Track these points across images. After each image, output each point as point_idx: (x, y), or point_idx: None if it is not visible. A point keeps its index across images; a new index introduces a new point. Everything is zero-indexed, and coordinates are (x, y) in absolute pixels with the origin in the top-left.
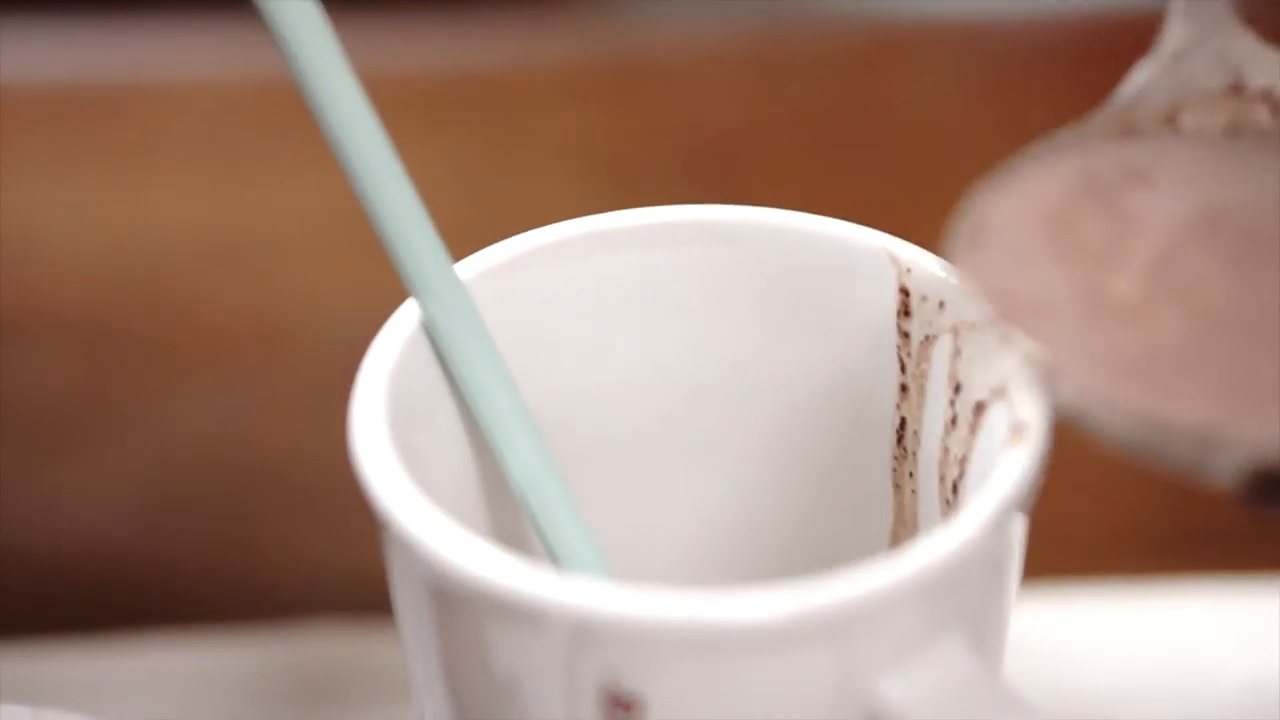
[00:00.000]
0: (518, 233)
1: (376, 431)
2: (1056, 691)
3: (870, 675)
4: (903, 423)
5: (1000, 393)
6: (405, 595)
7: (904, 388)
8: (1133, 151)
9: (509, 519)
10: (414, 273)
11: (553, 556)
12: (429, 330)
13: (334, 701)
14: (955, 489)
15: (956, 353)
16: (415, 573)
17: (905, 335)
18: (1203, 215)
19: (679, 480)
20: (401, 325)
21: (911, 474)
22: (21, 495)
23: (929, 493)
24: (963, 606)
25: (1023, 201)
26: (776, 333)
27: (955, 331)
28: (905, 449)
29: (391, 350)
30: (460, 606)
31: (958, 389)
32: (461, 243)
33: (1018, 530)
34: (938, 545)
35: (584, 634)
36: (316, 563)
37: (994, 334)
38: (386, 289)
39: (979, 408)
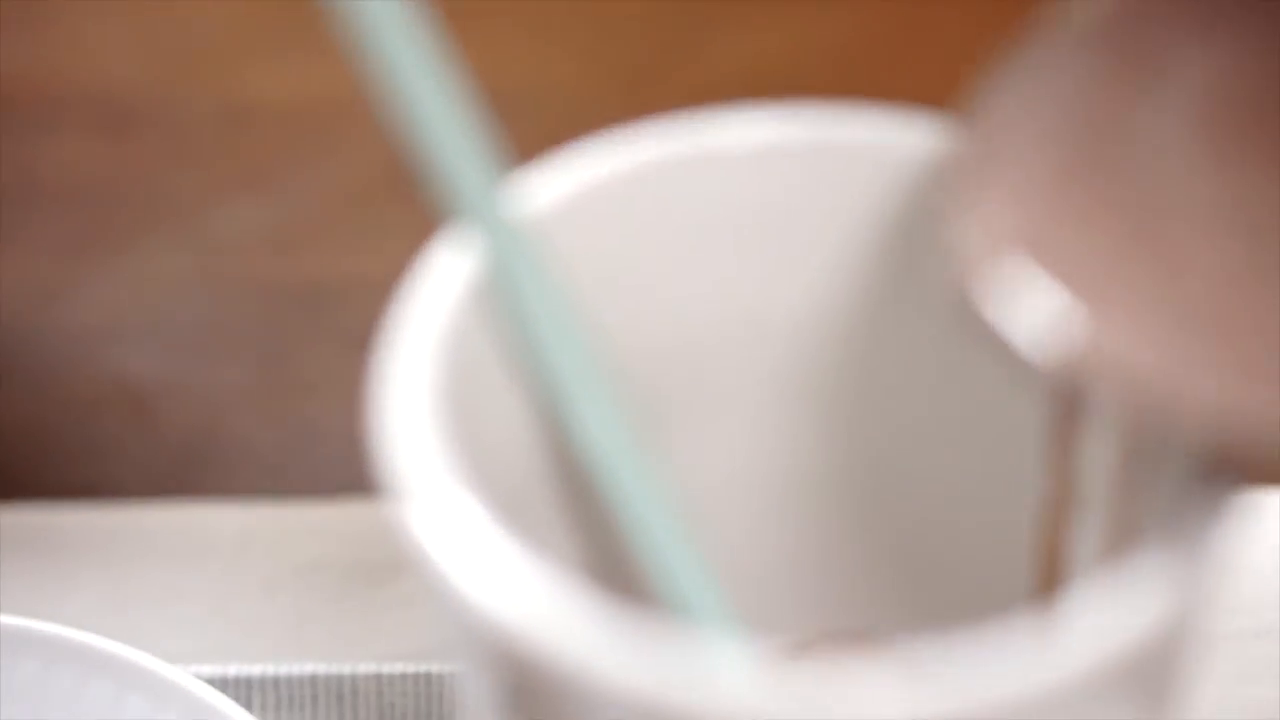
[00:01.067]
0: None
1: (419, 425)
2: None
3: None
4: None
5: None
6: (465, 660)
7: None
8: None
9: (585, 497)
10: (464, 204)
11: (647, 570)
12: (484, 279)
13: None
14: (1127, 491)
15: None
16: (478, 642)
17: None
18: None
19: (777, 428)
20: (448, 275)
21: (1074, 448)
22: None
23: (1093, 470)
24: (1130, 686)
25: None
26: (896, 262)
27: None
28: (1071, 415)
29: (440, 308)
30: (529, 678)
31: None
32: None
33: (1210, 595)
34: (1106, 630)
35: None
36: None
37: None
38: None
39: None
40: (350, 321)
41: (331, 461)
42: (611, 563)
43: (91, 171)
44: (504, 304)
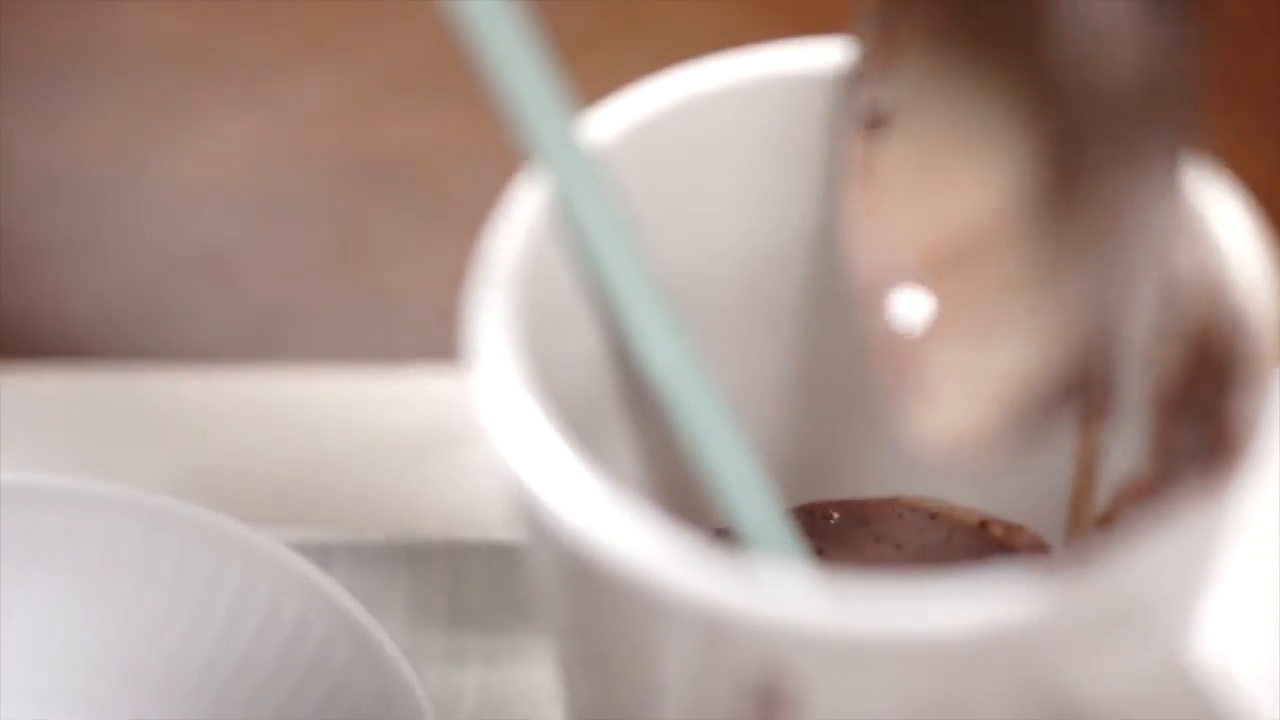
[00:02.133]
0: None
1: (500, 351)
2: None
3: (1061, 675)
4: None
5: (1233, 328)
6: (540, 563)
7: None
8: None
9: (653, 424)
10: (536, 139)
11: (708, 480)
12: (557, 210)
13: (447, 440)
14: (1167, 410)
15: (1174, 254)
16: (553, 545)
17: None
18: None
19: (843, 349)
20: (525, 207)
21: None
22: (119, 189)
23: (1131, 389)
24: (1170, 596)
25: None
26: None
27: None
28: None
29: (514, 240)
30: (590, 576)
31: (1172, 296)
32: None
33: (1237, 509)
34: (1151, 546)
35: (728, 629)
36: (429, 277)
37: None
38: None
39: (1196, 335)
40: (422, 189)
41: (405, 329)
42: (676, 491)
43: (170, 36)
44: (573, 228)
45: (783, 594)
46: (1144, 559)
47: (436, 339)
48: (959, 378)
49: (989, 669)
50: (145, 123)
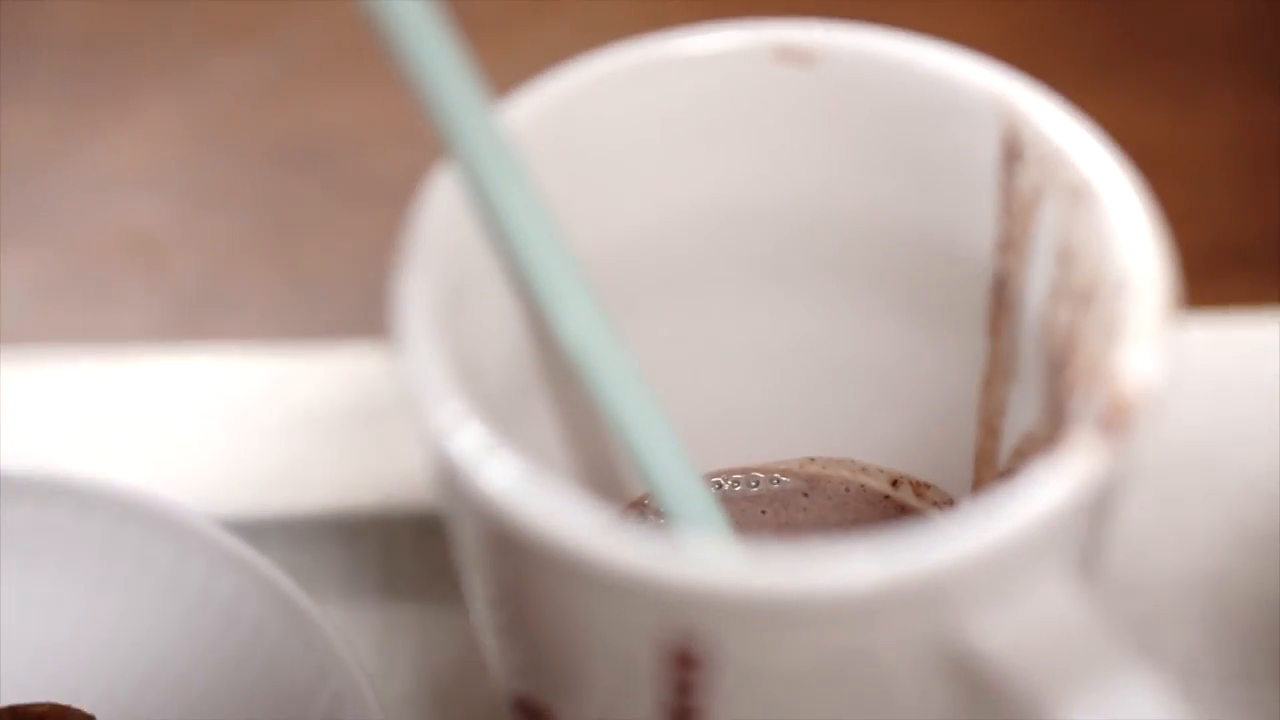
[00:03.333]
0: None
1: (421, 329)
2: None
3: (964, 624)
4: (1002, 276)
5: (1119, 288)
6: (463, 536)
7: (1004, 241)
8: None
9: (572, 395)
10: (446, 122)
11: (622, 442)
12: (470, 189)
13: (372, 415)
14: (1063, 368)
15: (1066, 220)
16: (463, 504)
17: (1008, 187)
18: None
19: (758, 314)
20: (442, 188)
21: (1010, 326)
22: (45, 176)
23: (1029, 351)
24: (1066, 545)
25: None
26: (860, 163)
27: (1067, 194)
28: (1003, 300)
29: (432, 220)
30: (511, 546)
31: (1067, 260)
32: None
33: (1133, 461)
34: (1043, 494)
35: (643, 592)
36: (352, 257)
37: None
38: None
39: (1086, 295)
40: (345, 170)
41: (330, 307)
42: (599, 463)
43: (94, 24)
44: (484, 207)
45: (690, 558)
46: (1035, 508)
47: (361, 317)
48: None
49: (892, 623)
50: (71, 109)
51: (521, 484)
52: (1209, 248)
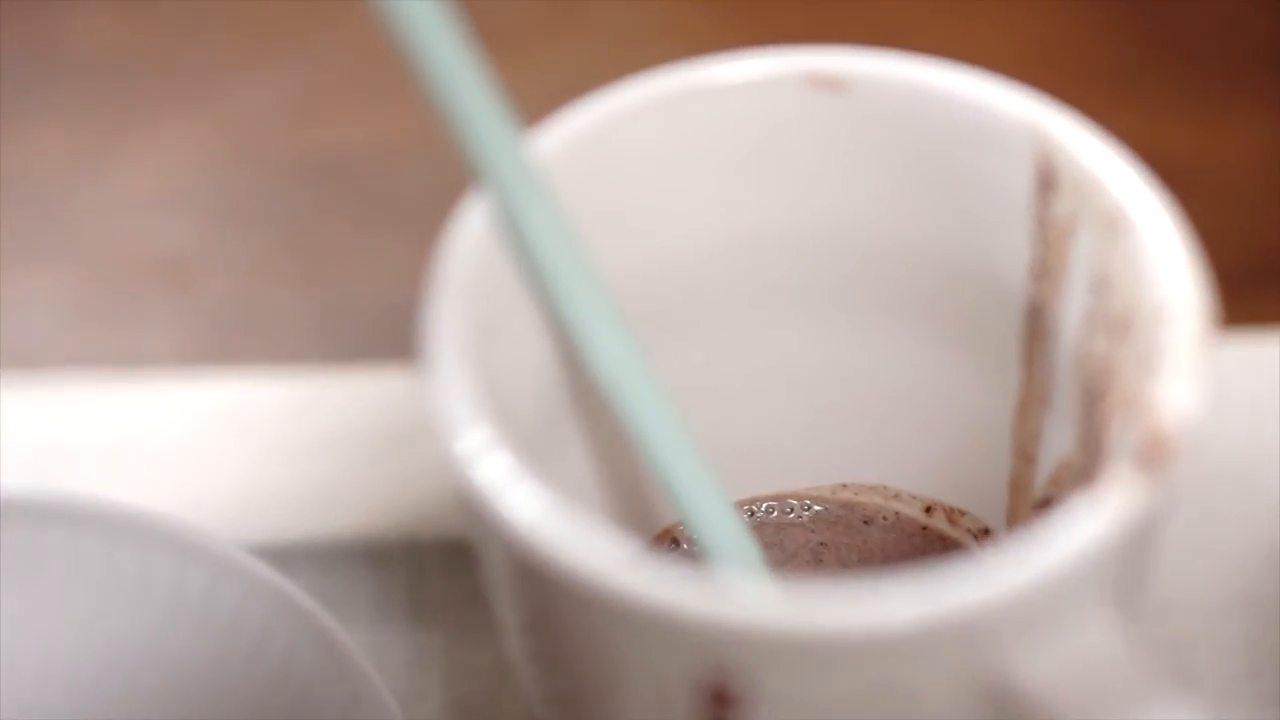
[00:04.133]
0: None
1: (452, 361)
2: None
3: (1002, 661)
4: (1037, 303)
5: (1156, 318)
6: (493, 567)
7: (1039, 269)
8: None
9: (603, 425)
10: (478, 155)
11: (655, 473)
12: (501, 221)
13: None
14: (1099, 398)
15: (1101, 249)
16: (495, 541)
17: (1042, 215)
18: None
19: (790, 341)
20: (472, 219)
21: (1045, 353)
22: (72, 196)
23: (1065, 378)
24: (1106, 580)
25: None
26: (892, 191)
27: (1102, 223)
28: (1038, 328)
29: (463, 252)
30: (541, 581)
31: (1102, 289)
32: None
33: (1172, 494)
34: (1082, 531)
35: (679, 631)
36: (379, 277)
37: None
38: None
39: (1122, 325)
40: (372, 190)
41: (357, 328)
42: (630, 492)
43: (120, 45)
44: (516, 237)
45: (725, 595)
46: (1074, 545)
47: (388, 338)
48: None
49: (929, 660)
50: (98, 130)
51: (547, 514)
52: (1241, 263)
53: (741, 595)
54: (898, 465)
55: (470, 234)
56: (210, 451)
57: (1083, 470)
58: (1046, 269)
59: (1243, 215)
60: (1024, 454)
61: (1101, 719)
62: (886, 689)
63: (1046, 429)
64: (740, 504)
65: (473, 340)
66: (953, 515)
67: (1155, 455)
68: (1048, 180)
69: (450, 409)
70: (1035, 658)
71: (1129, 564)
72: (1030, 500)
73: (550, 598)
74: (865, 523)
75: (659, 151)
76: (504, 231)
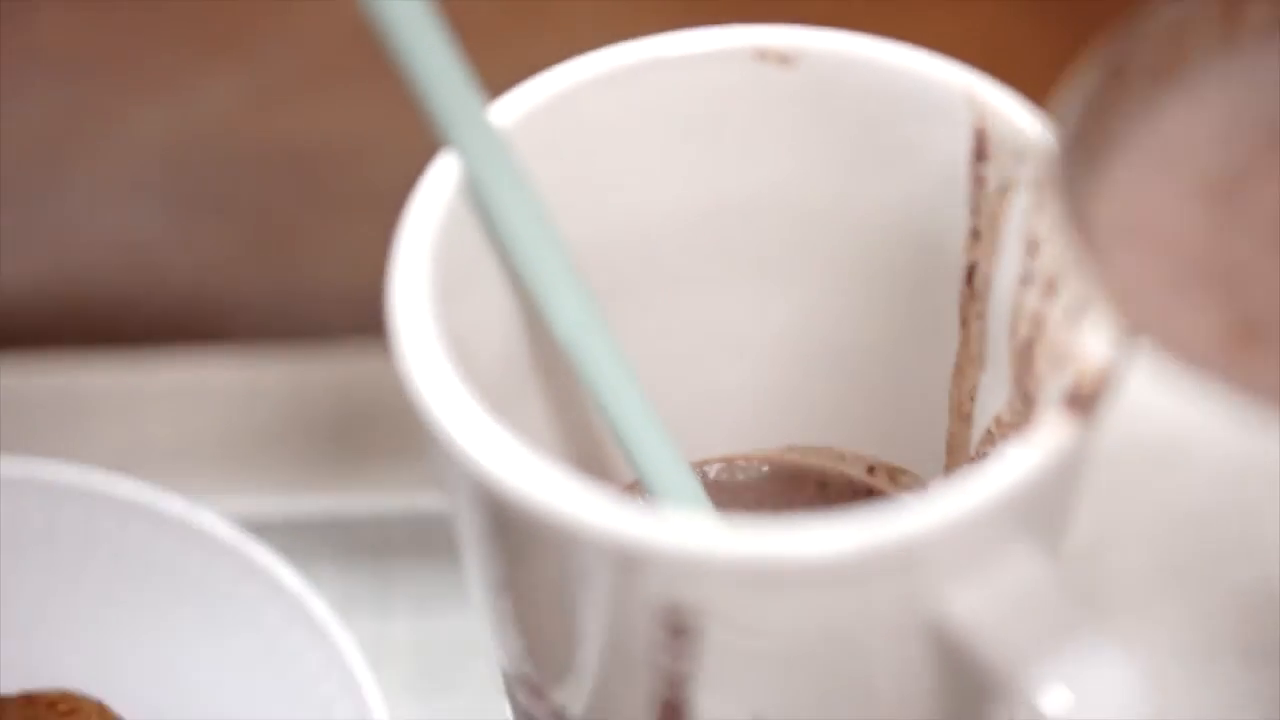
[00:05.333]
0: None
1: (419, 316)
2: None
3: (939, 590)
4: (973, 266)
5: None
6: (455, 499)
7: (975, 232)
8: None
9: (564, 384)
10: (446, 122)
11: (611, 428)
12: (468, 186)
13: (370, 424)
14: (1029, 352)
15: (1034, 209)
16: (464, 483)
17: (979, 180)
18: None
19: (739, 306)
20: (440, 184)
21: (980, 314)
22: (41, 187)
23: (998, 338)
24: (1033, 517)
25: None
26: (839, 160)
27: (1035, 186)
28: (975, 289)
29: (430, 215)
30: (504, 517)
31: (1033, 248)
32: (496, 68)
33: (1095, 437)
34: (1012, 467)
35: (632, 562)
36: (354, 262)
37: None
38: None
39: (1050, 282)
40: (337, 179)
41: (324, 312)
42: (589, 446)
43: (86, 39)
44: (481, 200)
45: (679, 529)
46: (1005, 479)
47: (355, 322)
48: None
49: (868, 590)
50: (67, 123)
51: (512, 456)
52: None
53: (689, 527)
54: (842, 426)
55: (437, 197)
56: (179, 428)
57: (1013, 426)
58: (983, 232)
59: None
60: (961, 413)
61: (1027, 651)
62: (828, 621)
63: (982, 388)
64: (692, 465)
65: (438, 297)
66: (894, 474)
67: (1080, 399)
68: (983, 147)
69: (417, 358)
70: (968, 589)
71: (1054, 501)
72: (966, 458)
73: (516, 536)
74: (817, 483)
75: (616, 121)
76: (469, 195)
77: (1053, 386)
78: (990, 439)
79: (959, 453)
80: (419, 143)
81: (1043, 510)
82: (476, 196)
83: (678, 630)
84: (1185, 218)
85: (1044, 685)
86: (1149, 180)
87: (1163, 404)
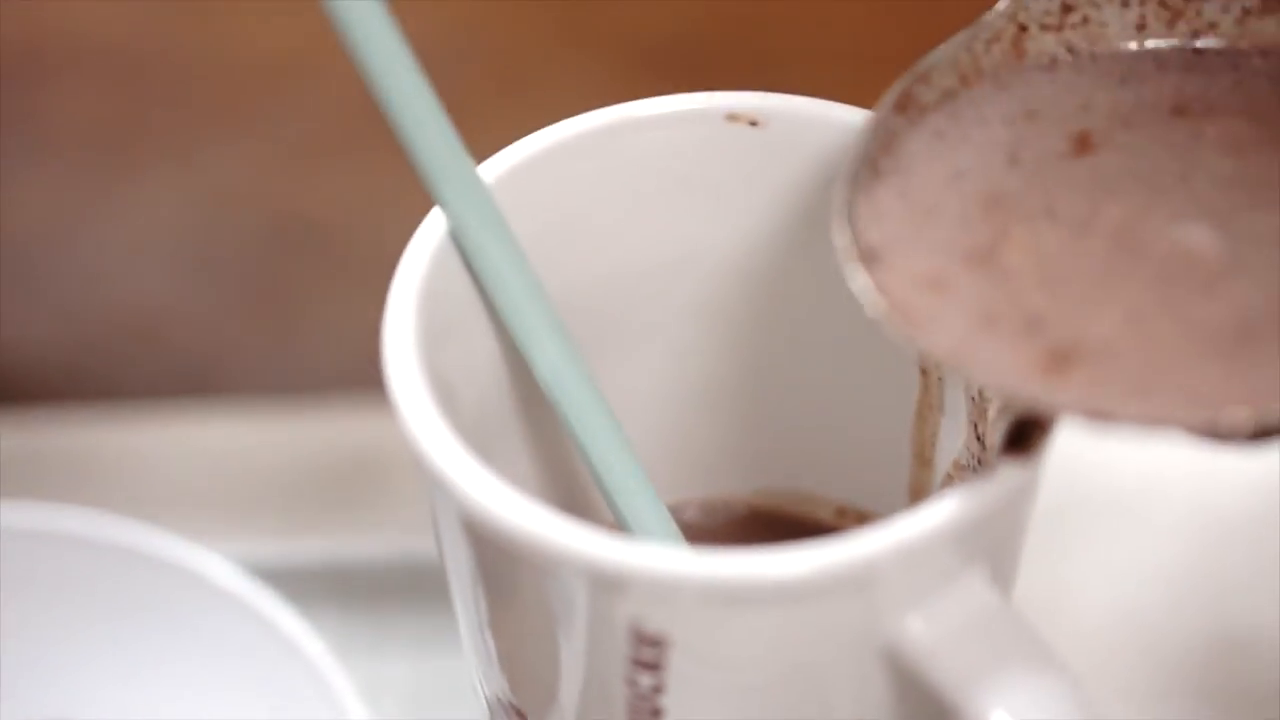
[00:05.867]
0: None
1: (407, 358)
2: None
3: (892, 616)
4: None
5: None
6: (442, 530)
7: None
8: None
9: (546, 426)
10: (435, 178)
11: (590, 470)
12: (456, 238)
13: (366, 475)
14: (982, 398)
15: None
16: (448, 510)
17: None
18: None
19: (710, 355)
20: (430, 235)
21: (939, 364)
22: (52, 251)
23: (955, 385)
24: (986, 545)
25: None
26: (802, 216)
27: None
28: None
29: (420, 264)
30: (487, 545)
31: None
32: (484, 136)
33: (1037, 476)
34: (957, 501)
35: (606, 584)
36: (351, 327)
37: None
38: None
39: None
40: (338, 247)
41: (324, 373)
42: (571, 488)
43: (98, 112)
44: (468, 252)
45: (649, 552)
46: (954, 511)
47: (354, 377)
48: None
49: (825, 611)
50: (77, 193)
51: (495, 489)
52: None
53: (659, 552)
54: (811, 471)
55: (428, 247)
56: (184, 484)
57: (969, 469)
58: None
59: None
60: (923, 458)
61: (973, 676)
62: (789, 645)
63: (943, 433)
64: (669, 507)
65: (425, 340)
66: (863, 517)
67: (1020, 441)
68: None
69: (404, 396)
70: (919, 616)
71: (1001, 533)
72: (927, 499)
73: (497, 561)
74: (788, 525)
75: (594, 178)
76: (458, 245)
77: (1000, 429)
78: (949, 481)
79: (922, 496)
80: (417, 211)
81: (989, 541)
82: (462, 246)
83: (648, 656)
84: (962, 278)
85: (988, 710)
86: (917, 230)
87: (1124, 453)
